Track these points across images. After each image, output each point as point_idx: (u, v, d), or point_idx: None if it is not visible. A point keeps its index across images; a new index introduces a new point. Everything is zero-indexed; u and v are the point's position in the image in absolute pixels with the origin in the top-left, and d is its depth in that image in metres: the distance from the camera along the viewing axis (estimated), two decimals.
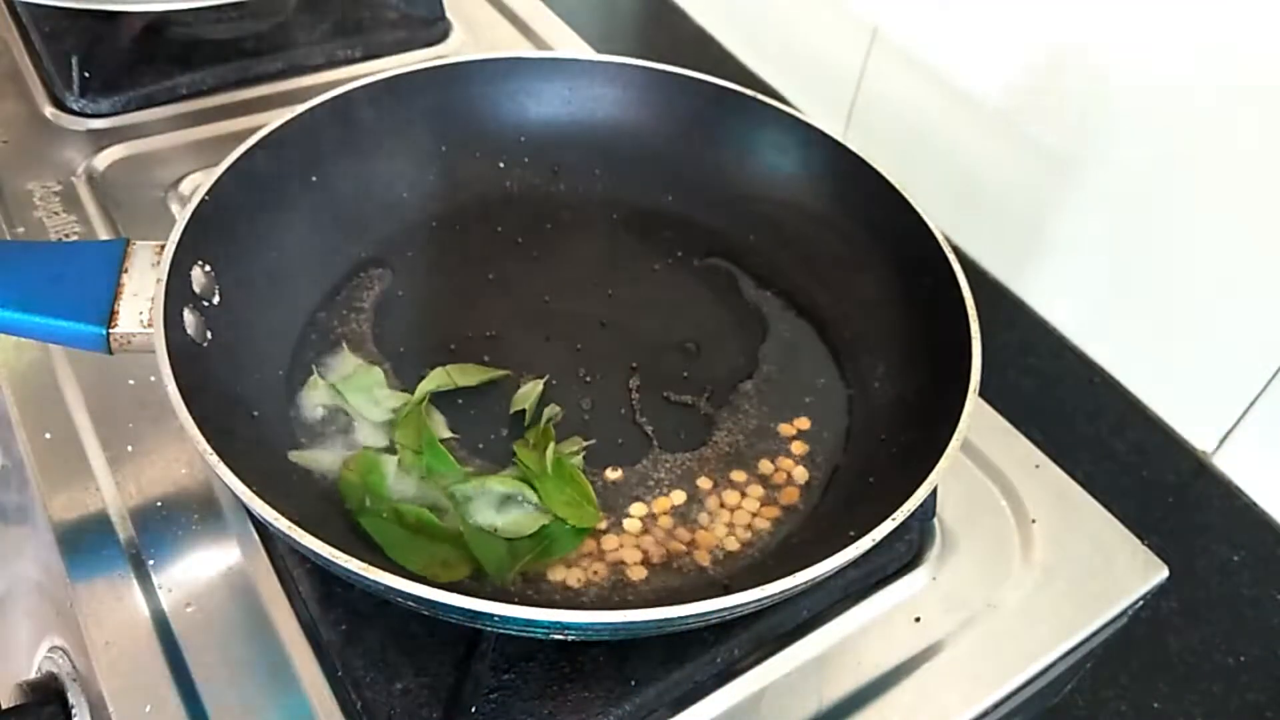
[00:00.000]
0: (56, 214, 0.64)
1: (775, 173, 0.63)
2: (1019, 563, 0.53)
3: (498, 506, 0.48)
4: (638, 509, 0.50)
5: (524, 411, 0.53)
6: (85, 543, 0.49)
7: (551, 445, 0.50)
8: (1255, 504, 0.67)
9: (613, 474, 0.51)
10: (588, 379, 0.56)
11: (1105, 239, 0.71)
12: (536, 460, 0.49)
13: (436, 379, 0.53)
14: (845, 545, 0.40)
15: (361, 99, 0.59)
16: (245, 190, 0.53)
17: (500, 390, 0.54)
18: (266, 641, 0.46)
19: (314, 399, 0.52)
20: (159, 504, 0.51)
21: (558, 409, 0.53)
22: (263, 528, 0.49)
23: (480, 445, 0.51)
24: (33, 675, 0.50)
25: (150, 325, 0.45)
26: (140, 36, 0.75)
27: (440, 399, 0.53)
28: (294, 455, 0.49)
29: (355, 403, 0.52)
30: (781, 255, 0.62)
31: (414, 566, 0.45)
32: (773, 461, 0.53)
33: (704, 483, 0.51)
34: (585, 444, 0.52)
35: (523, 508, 0.48)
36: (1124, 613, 0.53)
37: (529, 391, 0.54)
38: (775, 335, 0.59)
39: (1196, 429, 0.69)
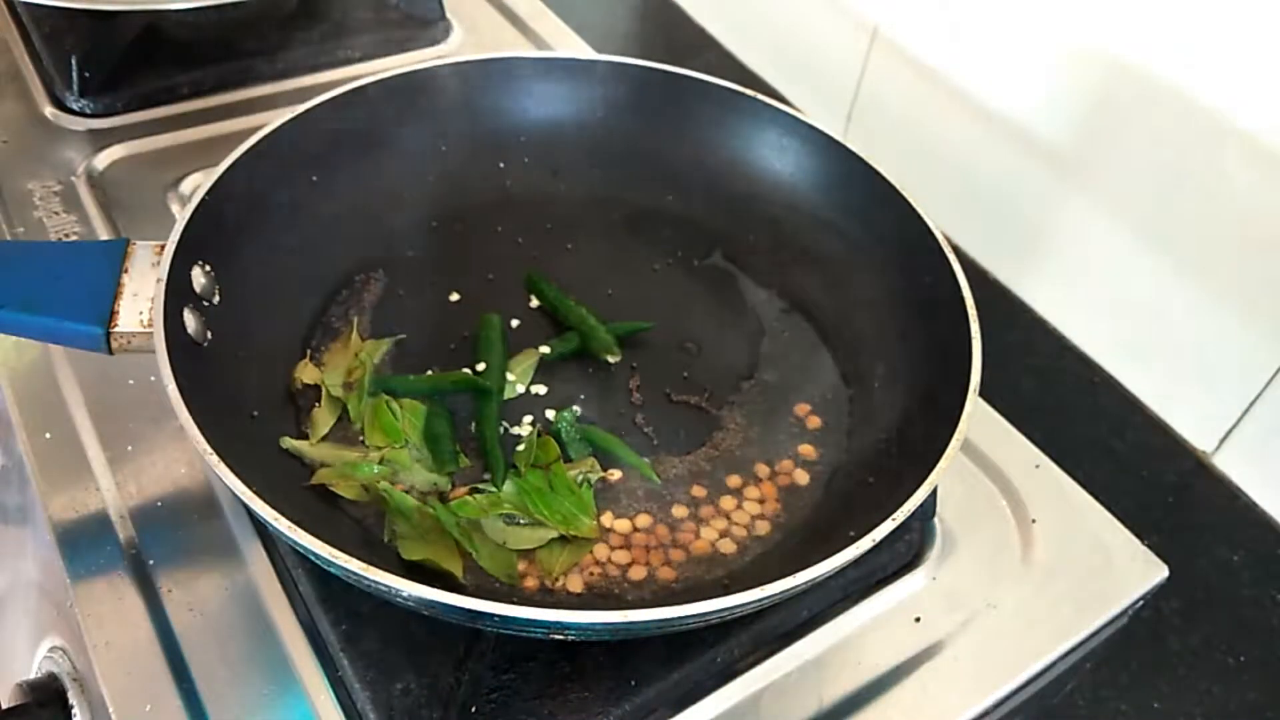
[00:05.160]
0: (56, 214, 0.64)
1: (775, 173, 0.63)
2: (1019, 563, 0.53)
3: (505, 520, 0.48)
4: (638, 509, 0.50)
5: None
6: (85, 543, 0.49)
7: (559, 462, 0.50)
8: (1255, 504, 0.67)
9: (613, 475, 0.51)
10: (587, 379, 0.56)
11: (1105, 239, 0.71)
12: (538, 475, 0.49)
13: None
14: (845, 545, 0.40)
15: (362, 99, 0.59)
16: (245, 190, 0.53)
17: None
18: (266, 641, 0.46)
19: (303, 377, 0.53)
20: (159, 504, 0.51)
21: (565, 415, 0.53)
22: (263, 528, 0.49)
23: (475, 445, 0.52)
24: (33, 675, 0.50)
25: (150, 325, 0.45)
26: (140, 36, 0.75)
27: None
28: (285, 443, 0.49)
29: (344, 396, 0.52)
30: (781, 255, 0.62)
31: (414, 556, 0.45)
32: (773, 462, 0.53)
33: (704, 483, 0.51)
34: (602, 474, 0.51)
35: (529, 524, 0.48)
36: (1124, 613, 0.53)
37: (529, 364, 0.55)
38: (775, 335, 0.59)
39: (1196, 429, 0.69)
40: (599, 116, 0.65)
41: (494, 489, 0.48)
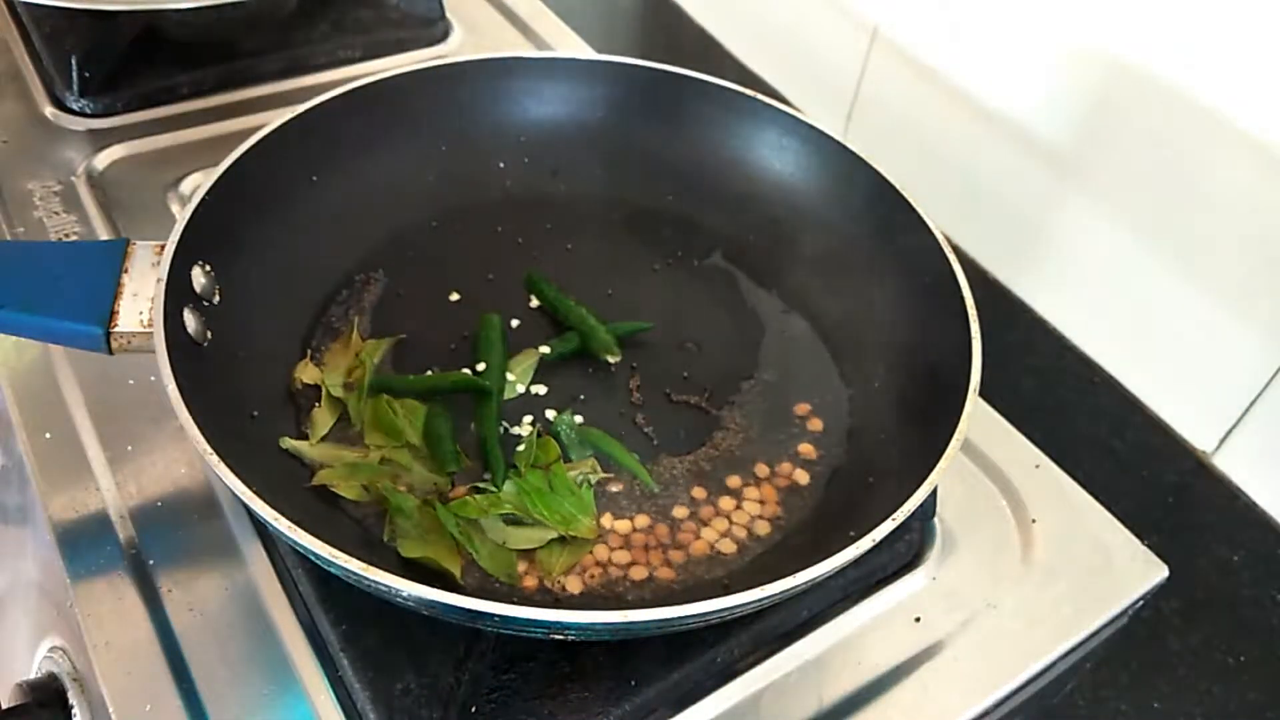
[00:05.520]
0: (56, 214, 0.64)
1: (775, 173, 0.63)
2: (1019, 563, 0.53)
3: (505, 520, 0.48)
4: (638, 509, 0.50)
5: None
6: (85, 543, 0.49)
7: (559, 463, 0.50)
8: (1255, 504, 0.67)
9: (614, 484, 0.51)
10: (587, 379, 0.56)
11: (1105, 239, 0.71)
12: (538, 475, 0.49)
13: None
14: (845, 545, 0.40)
15: (361, 99, 0.59)
16: (245, 190, 0.53)
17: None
18: (266, 641, 0.46)
19: (303, 377, 0.53)
20: (159, 504, 0.51)
21: (564, 418, 0.53)
22: (263, 528, 0.49)
23: (475, 445, 0.52)
24: (33, 675, 0.50)
25: (150, 325, 0.45)
26: (140, 36, 0.75)
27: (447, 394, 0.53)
28: (285, 443, 0.50)
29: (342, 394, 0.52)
30: (781, 255, 0.62)
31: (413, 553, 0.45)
32: (773, 462, 0.53)
33: (704, 483, 0.51)
34: (603, 475, 0.51)
35: (529, 524, 0.48)
36: (1124, 613, 0.53)
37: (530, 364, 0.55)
38: (775, 335, 0.59)
39: (1196, 429, 0.69)
40: (599, 116, 0.65)
41: (494, 489, 0.48)
